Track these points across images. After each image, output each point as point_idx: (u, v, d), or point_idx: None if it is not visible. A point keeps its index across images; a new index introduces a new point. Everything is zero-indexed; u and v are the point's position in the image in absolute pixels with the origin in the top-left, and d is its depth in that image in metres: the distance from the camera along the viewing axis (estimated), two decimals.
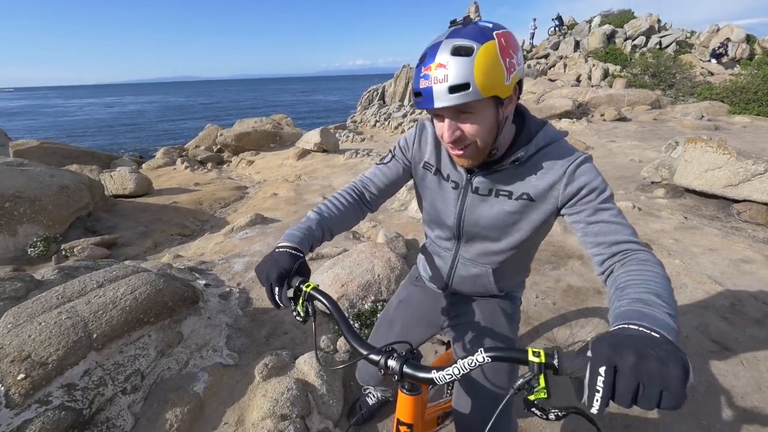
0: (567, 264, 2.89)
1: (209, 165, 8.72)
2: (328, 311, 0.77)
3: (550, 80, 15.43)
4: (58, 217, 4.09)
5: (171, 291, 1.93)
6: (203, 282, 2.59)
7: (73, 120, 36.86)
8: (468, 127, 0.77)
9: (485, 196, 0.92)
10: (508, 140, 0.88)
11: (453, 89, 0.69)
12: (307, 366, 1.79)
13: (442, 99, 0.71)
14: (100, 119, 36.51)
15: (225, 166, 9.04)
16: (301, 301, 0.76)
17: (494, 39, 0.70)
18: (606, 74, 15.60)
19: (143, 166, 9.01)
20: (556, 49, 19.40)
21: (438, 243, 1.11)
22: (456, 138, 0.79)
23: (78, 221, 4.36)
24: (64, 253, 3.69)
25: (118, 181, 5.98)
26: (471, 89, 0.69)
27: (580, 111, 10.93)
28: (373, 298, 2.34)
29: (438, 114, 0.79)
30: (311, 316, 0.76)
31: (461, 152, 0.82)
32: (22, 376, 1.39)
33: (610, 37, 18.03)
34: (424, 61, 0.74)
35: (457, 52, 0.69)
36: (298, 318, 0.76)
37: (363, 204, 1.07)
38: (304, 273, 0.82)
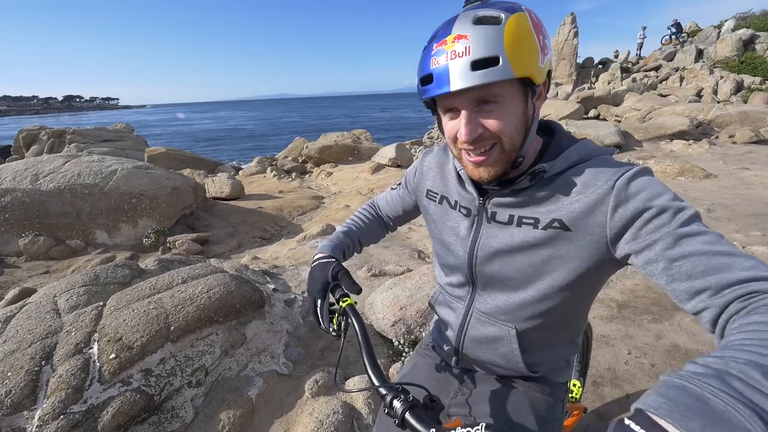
0: (673, 317, 2.37)
1: (293, 174, 9.49)
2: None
3: (661, 95, 13.48)
4: (167, 213, 4.81)
5: (240, 294, 2.05)
6: (272, 286, 2.73)
7: (192, 130, 44.09)
8: (492, 122, 0.60)
9: (504, 225, 0.70)
10: (534, 152, 0.70)
11: (477, 65, 0.55)
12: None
13: (461, 78, 0.56)
14: (213, 130, 42.99)
15: (307, 176, 9.74)
16: (336, 315, 0.77)
17: (525, 12, 0.58)
18: (739, 88, 13.06)
19: (240, 173, 10.20)
20: (671, 60, 16.94)
21: (449, 291, 0.87)
22: (477, 136, 0.61)
23: (182, 218, 5.07)
24: (168, 245, 4.30)
25: (217, 185, 6.84)
26: (501, 64, 0.54)
27: (699, 131, 9.26)
28: (432, 326, 2.20)
29: (451, 108, 0.63)
30: (343, 331, 0.75)
31: (482, 158, 0.64)
32: (113, 355, 1.58)
33: (748, 44, 15.09)
34: (436, 38, 0.59)
35: (481, 21, 0.56)
36: (332, 332, 0.75)
37: (383, 221, 1.05)
38: (344, 280, 0.78)
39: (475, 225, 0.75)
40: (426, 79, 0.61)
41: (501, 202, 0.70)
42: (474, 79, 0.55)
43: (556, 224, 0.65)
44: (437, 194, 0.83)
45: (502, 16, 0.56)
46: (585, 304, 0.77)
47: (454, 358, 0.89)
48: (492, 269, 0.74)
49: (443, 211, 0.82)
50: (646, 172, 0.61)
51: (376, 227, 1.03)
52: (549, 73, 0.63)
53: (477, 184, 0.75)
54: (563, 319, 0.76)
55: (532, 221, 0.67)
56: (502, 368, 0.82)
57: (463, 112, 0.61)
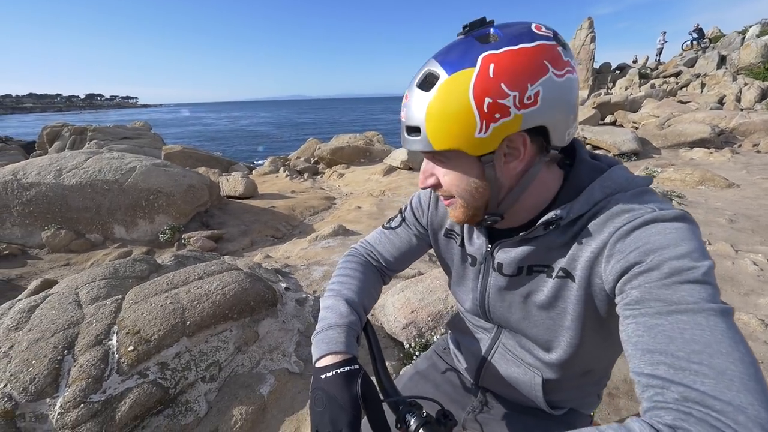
0: None
1: (306, 175, 9.58)
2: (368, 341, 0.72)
3: (681, 102, 13.17)
4: (183, 210, 4.91)
5: (254, 291, 2.08)
6: (284, 285, 2.76)
7: (208, 130, 44.97)
8: (442, 176, 0.58)
9: (512, 277, 0.64)
10: (547, 196, 0.60)
11: (409, 130, 0.55)
12: None
13: (403, 140, 0.57)
14: (228, 130, 43.78)
15: (319, 176, 9.82)
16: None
17: (476, 66, 0.48)
18: (764, 95, 12.67)
19: (253, 172, 10.34)
20: (692, 66, 16.54)
21: (472, 320, 0.81)
22: (429, 185, 0.61)
23: (197, 215, 5.17)
24: (183, 241, 4.38)
25: (231, 183, 6.95)
26: (421, 136, 0.53)
27: (721, 139, 9.00)
28: (443, 330, 2.19)
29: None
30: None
31: (447, 202, 0.63)
32: (131, 348, 1.62)
33: None
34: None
35: (425, 79, 0.53)
36: None
37: (379, 270, 0.83)
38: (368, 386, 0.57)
39: (481, 275, 0.70)
40: None
41: (510, 252, 0.63)
42: (408, 144, 0.56)
43: (562, 273, 0.58)
44: (458, 235, 0.75)
45: (441, 76, 0.50)
46: (615, 351, 0.68)
47: (472, 380, 0.86)
48: (512, 319, 0.69)
49: (461, 254, 0.75)
50: (670, 218, 0.48)
51: (376, 282, 0.80)
52: (538, 129, 0.51)
53: (488, 227, 0.68)
54: (594, 367, 0.71)
55: (545, 269, 0.60)
56: (523, 402, 0.78)
57: (425, 158, 0.61)
